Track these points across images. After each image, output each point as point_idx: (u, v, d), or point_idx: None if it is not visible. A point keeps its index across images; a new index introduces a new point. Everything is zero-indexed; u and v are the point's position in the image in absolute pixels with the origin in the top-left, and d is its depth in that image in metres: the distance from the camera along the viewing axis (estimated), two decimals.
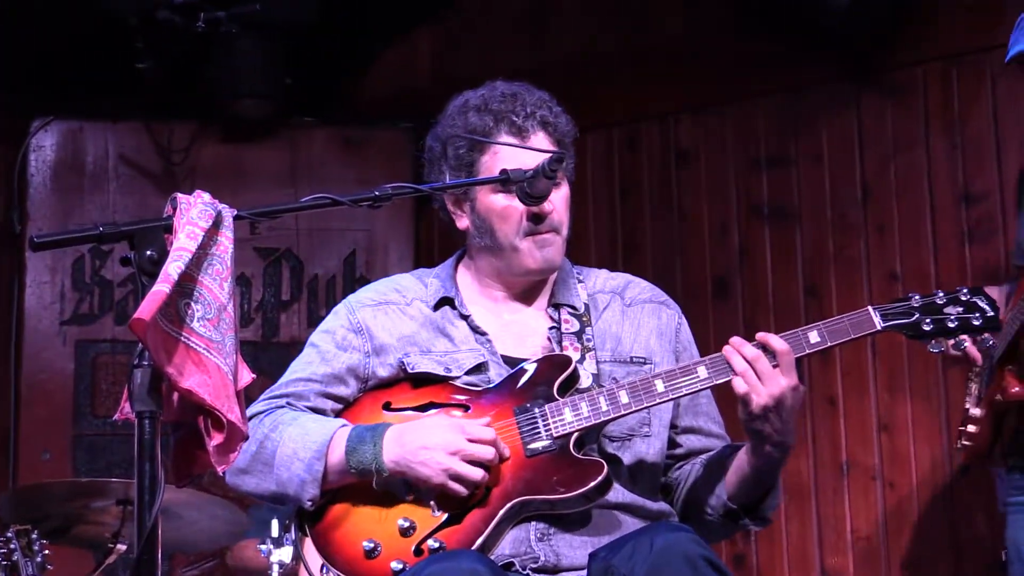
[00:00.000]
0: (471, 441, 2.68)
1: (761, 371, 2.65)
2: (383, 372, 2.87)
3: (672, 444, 2.91)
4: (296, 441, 2.75)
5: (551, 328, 2.88)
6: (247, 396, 2.25)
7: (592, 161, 5.53)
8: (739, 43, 5.28)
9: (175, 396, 2.15)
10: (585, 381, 2.79)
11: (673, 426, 2.91)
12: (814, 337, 2.71)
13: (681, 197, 5.44)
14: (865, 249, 5.04)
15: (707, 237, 5.36)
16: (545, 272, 2.89)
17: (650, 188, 5.51)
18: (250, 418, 2.77)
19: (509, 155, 2.80)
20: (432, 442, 2.68)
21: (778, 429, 2.67)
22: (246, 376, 2.22)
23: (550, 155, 2.69)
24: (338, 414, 2.87)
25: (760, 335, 2.70)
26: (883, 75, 5.06)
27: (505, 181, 2.72)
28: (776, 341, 2.68)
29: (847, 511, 4.98)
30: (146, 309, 2.05)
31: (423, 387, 2.83)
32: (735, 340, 2.71)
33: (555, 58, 5.57)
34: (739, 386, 2.67)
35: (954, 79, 4.93)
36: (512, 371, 2.81)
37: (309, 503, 2.75)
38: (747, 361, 2.67)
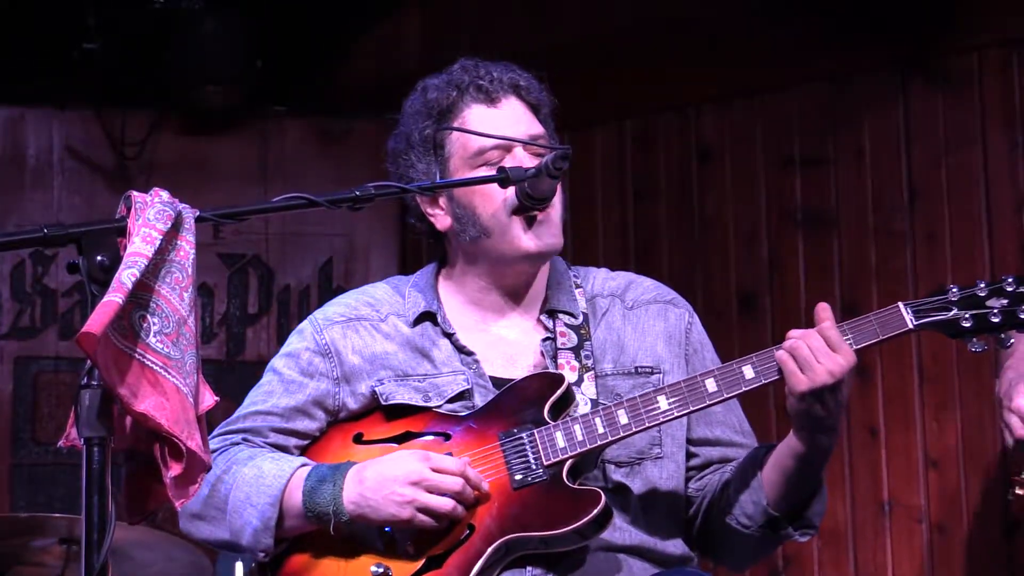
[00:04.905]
0: (435, 471, 2.69)
1: (814, 346, 2.70)
2: (353, 404, 2.89)
3: (687, 455, 2.93)
4: (250, 484, 2.77)
5: (544, 340, 2.90)
6: (209, 421, 2.27)
7: (601, 159, 5.54)
8: (769, 25, 5.29)
9: (128, 420, 2.17)
10: (583, 407, 2.80)
11: (687, 440, 2.93)
12: None
13: (703, 200, 5.45)
14: (912, 261, 5.05)
15: (732, 246, 5.37)
16: (544, 254, 2.89)
17: (667, 190, 5.52)
18: None
19: (478, 120, 2.86)
20: (392, 474, 2.69)
21: (832, 411, 2.72)
22: (208, 399, 2.23)
23: (554, 152, 2.70)
24: (304, 450, 2.89)
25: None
26: (934, 62, 5.07)
27: (503, 180, 2.72)
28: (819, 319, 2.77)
29: (888, 558, 4.98)
30: (96, 322, 2.06)
31: (398, 416, 2.85)
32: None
33: (560, 40, 5.58)
34: (789, 364, 2.70)
35: (1015, 66, 4.94)
36: (498, 392, 2.83)
37: (262, 555, 2.77)
38: (796, 337, 2.72)
